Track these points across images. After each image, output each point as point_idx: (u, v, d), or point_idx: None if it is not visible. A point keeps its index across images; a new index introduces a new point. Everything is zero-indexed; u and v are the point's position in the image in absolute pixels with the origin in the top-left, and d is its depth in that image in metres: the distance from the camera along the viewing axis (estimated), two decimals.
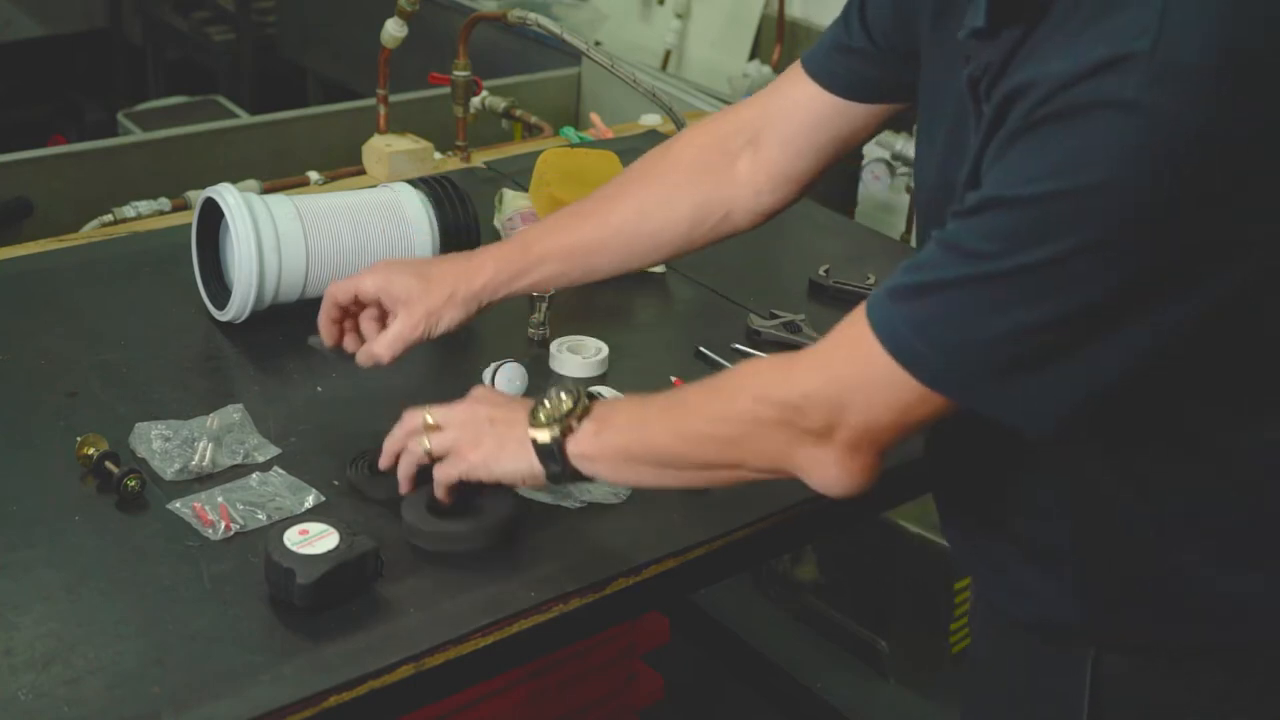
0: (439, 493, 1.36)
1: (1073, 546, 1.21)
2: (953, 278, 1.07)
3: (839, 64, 1.41)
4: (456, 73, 2.34)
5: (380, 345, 1.50)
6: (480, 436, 1.34)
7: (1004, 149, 1.05)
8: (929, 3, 1.25)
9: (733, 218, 1.50)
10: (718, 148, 1.49)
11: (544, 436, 1.28)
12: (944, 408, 1.11)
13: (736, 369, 1.27)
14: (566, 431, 1.28)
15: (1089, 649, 1.24)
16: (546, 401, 1.30)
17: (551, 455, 1.28)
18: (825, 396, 1.14)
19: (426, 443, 1.36)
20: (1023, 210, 1.02)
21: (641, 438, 1.27)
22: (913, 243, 2.67)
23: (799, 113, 1.44)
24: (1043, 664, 1.29)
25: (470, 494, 1.40)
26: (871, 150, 2.91)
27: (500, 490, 1.40)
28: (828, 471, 1.17)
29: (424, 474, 1.44)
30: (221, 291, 1.77)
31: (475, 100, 2.42)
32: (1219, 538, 1.17)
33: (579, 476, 1.30)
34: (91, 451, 1.45)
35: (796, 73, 1.44)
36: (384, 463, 1.41)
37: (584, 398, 1.29)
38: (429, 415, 1.38)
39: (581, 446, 1.28)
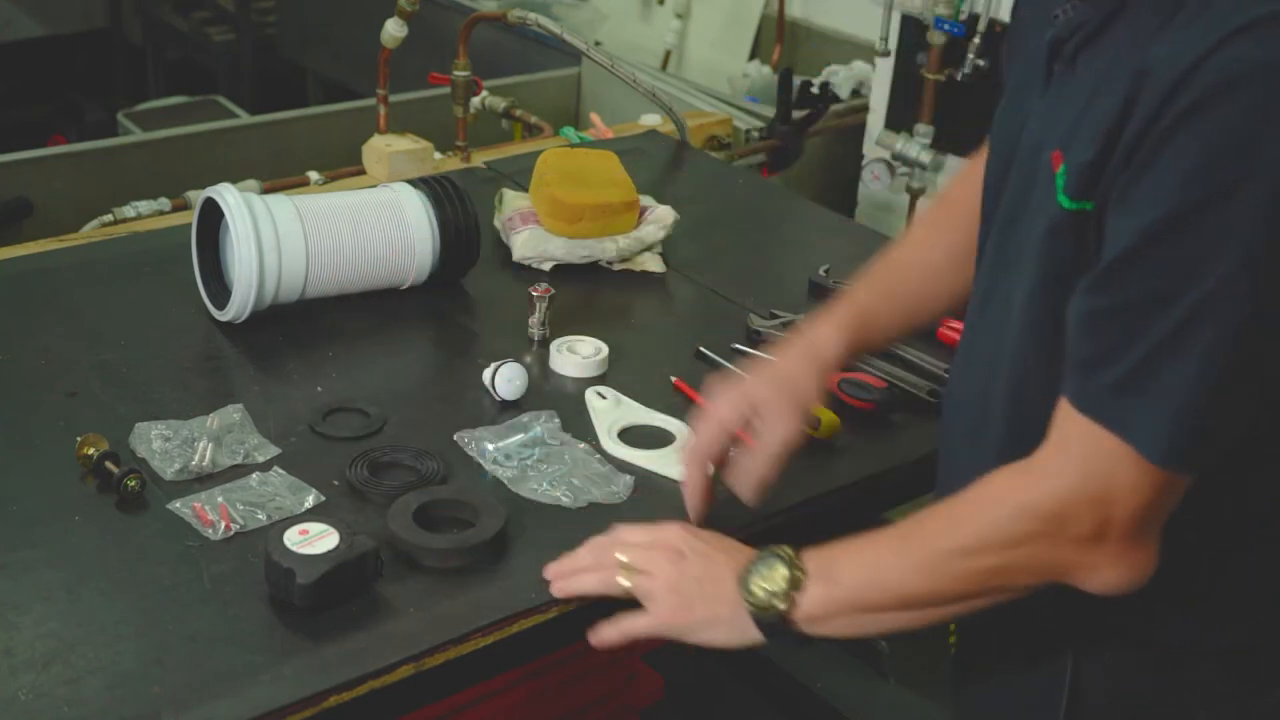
0: (615, 637, 1.30)
1: None
2: (1154, 340, 1.05)
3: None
4: (456, 73, 2.34)
5: (761, 466, 1.39)
6: (690, 601, 1.26)
7: (1147, 160, 1.03)
8: None
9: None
10: (962, 218, 1.45)
11: (764, 605, 1.22)
12: (1186, 479, 1.10)
13: (971, 493, 1.18)
14: (791, 605, 1.21)
15: (1068, 652, 1.25)
16: (758, 575, 1.22)
17: (775, 628, 1.22)
18: (1087, 497, 1.11)
19: (625, 582, 1.29)
20: (1192, 221, 1.02)
21: (880, 585, 1.21)
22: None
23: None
24: (1028, 644, 1.30)
25: (460, 510, 1.41)
26: (871, 150, 2.91)
27: (492, 507, 1.41)
28: (1110, 574, 1.13)
29: (412, 484, 1.45)
30: (221, 291, 1.77)
31: (475, 100, 2.42)
32: (1205, 536, 1.18)
33: (806, 638, 1.23)
34: (91, 451, 1.45)
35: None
36: (558, 590, 1.32)
37: (797, 563, 1.22)
38: (622, 555, 1.30)
39: (810, 611, 1.21)
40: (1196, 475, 1.10)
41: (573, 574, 1.33)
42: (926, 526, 1.21)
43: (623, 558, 1.30)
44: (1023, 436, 1.18)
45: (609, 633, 1.30)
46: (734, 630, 1.25)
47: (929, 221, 1.55)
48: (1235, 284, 1.02)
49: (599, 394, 1.64)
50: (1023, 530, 1.14)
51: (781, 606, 1.21)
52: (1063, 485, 1.12)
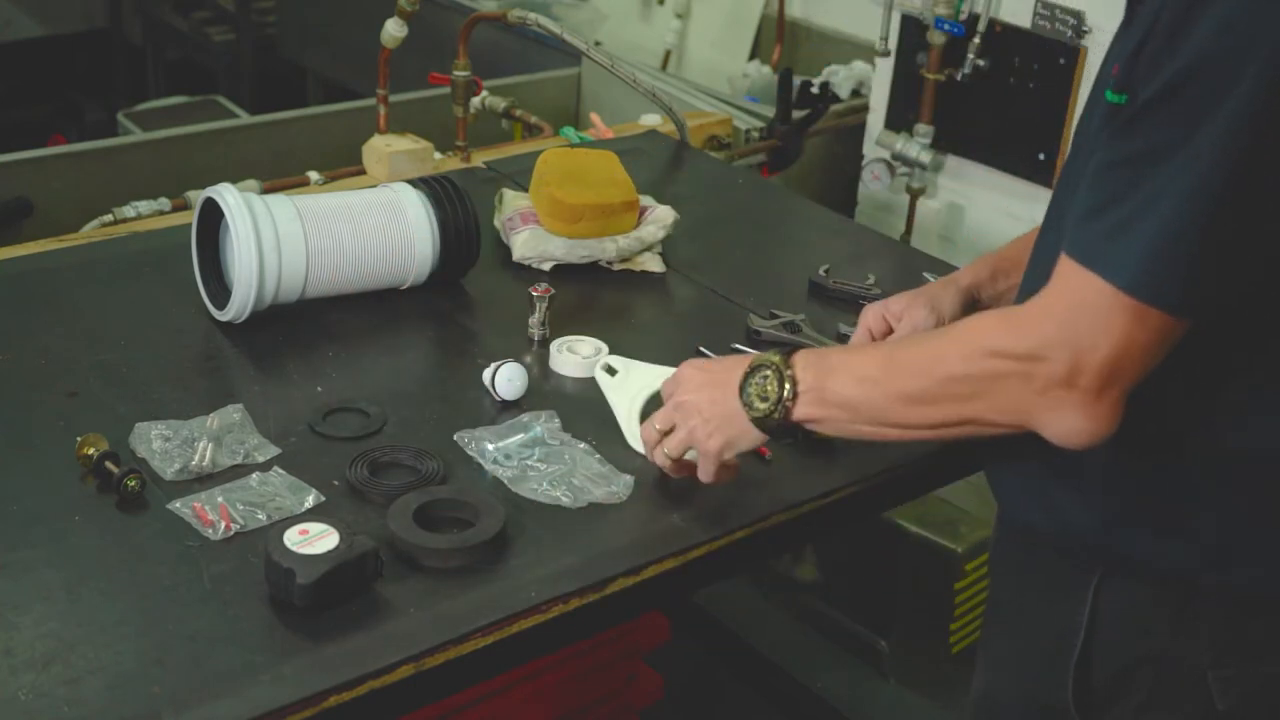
0: (703, 475, 1.43)
1: (1101, 460, 1.25)
2: (1150, 190, 1.12)
3: None
4: (456, 73, 2.34)
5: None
6: (709, 431, 1.40)
7: (1169, 27, 1.12)
8: None
9: None
10: None
11: (765, 419, 1.34)
12: (1167, 327, 1.15)
13: (953, 328, 1.33)
14: (786, 412, 1.33)
15: (1096, 569, 1.30)
16: (755, 390, 1.35)
17: (778, 430, 1.36)
18: (1063, 340, 1.17)
19: (665, 449, 1.45)
20: (1193, 74, 1.09)
21: (866, 401, 1.30)
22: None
23: None
24: (1051, 585, 1.35)
25: (460, 510, 1.41)
26: (871, 150, 2.91)
27: (492, 507, 1.41)
28: (1073, 420, 1.18)
29: (412, 484, 1.45)
30: (221, 291, 1.77)
31: (475, 100, 2.42)
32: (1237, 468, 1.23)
33: (807, 432, 1.41)
34: (91, 451, 1.45)
35: None
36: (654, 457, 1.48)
37: (785, 371, 1.33)
38: (657, 424, 1.46)
39: (805, 413, 1.33)
40: (1168, 330, 1.15)
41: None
42: (910, 354, 1.31)
43: (657, 426, 1.46)
44: None
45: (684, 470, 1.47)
46: (751, 439, 1.39)
47: None
48: (1229, 135, 1.09)
49: (607, 370, 1.63)
50: (997, 368, 1.20)
51: (778, 414, 1.34)
52: (1043, 327, 1.18)
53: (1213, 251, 1.13)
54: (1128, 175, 1.14)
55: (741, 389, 1.36)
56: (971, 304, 1.61)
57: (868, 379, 1.30)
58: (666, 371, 1.56)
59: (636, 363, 1.62)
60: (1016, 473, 1.39)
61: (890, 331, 1.62)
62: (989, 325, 1.25)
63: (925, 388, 1.26)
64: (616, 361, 1.63)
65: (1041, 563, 1.37)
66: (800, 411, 1.33)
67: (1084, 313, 1.16)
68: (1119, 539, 1.29)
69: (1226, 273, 1.15)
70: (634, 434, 1.55)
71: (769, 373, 1.34)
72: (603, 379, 1.61)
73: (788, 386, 1.32)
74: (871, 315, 1.64)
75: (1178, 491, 1.25)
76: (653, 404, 1.55)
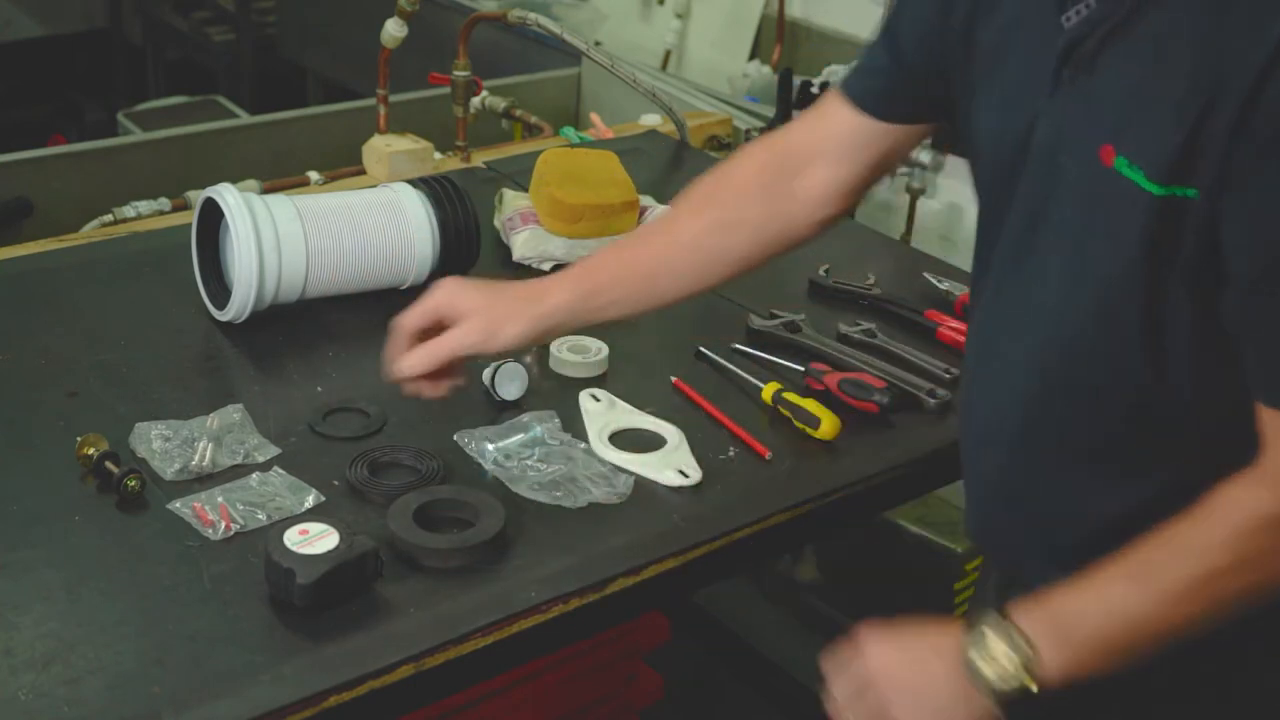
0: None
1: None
2: None
3: (871, 87, 1.43)
4: (456, 73, 2.34)
5: (416, 354, 1.44)
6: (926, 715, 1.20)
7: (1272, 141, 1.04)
8: None
9: (792, 231, 1.51)
10: (774, 167, 1.50)
11: (1008, 693, 1.15)
12: None
13: (1197, 516, 1.14)
14: (1032, 680, 1.14)
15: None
16: (981, 662, 1.15)
17: (1019, 700, 1.15)
18: None
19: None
20: None
21: (1126, 629, 1.15)
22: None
23: (842, 134, 1.45)
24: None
25: (460, 510, 1.41)
26: None
27: (492, 507, 1.41)
28: None
29: (412, 484, 1.45)
30: (221, 291, 1.77)
31: (475, 100, 2.42)
32: None
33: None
34: (91, 451, 1.45)
35: (836, 94, 1.47)
36: None
37: (1018, 636, 1.14)
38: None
39: (1055, 677, 1.14)
40: None
41: None
42: (1157, 559, 1.14)
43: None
44: (1092, 422, 1.20)
45: None
46: (978, 711, 1.18)
47: (698, 196, 1.54)
48: None
49: (593, 396, 1.64)
50: (1269, 544, 1.12)
51: (1019, 685, 1.14)
52: None
53: None
54: None
55: (969, 669, 1.16)
56: (551, 329, 1.48)
57: (1117, 606, 1.14)
58: (646, 418, 1.60)
59: (620, 401, 1.64)
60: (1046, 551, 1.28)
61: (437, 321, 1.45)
62: (1243, 503, 1.12)
63: (1193, 587, 1.13)
64: (600, 394, 1.65)
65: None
66: (1048, 669, 1.13)
67: None
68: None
69: None
70: (603, 448, 1.56)
71: (990, 641, 1.15)
72: (586, 403, 1.63)
73: (1022, 642, 1.14)
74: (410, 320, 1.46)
75: None
76: (617, 438, 1.57)
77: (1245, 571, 1.13)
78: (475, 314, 1.43)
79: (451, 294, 1.45)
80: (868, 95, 1.43)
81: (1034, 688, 1.13)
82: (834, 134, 1.46)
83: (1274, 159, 1.05)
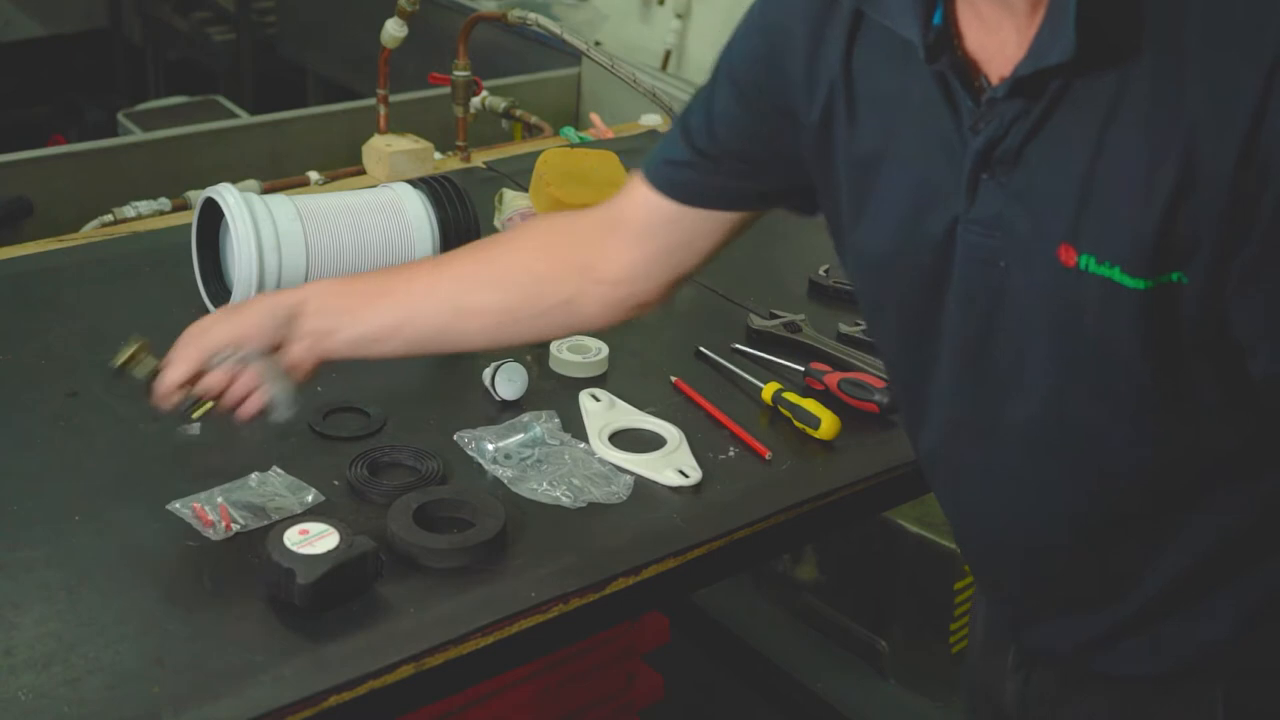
0: None
1: (1222, 579, 1.16)
2: None
3: (676, 174, 1.32)
4: (456, 73, 2.34)
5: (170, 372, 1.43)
6: None
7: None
8: (830, 65, 1.17)
9: (575, 306, 1.40)
10: (566, 232, 1.42)
11: None
12: None
13: None
14: None
15: (1219, 683, 1.19)
16: None
17: None
18: None
19: None
20: None
21: None
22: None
23: (643, 214, 1.35)
24: (1167, 710, 1.22)
25: (460, 510, 1.41)
26: None
27: (492, 507, 1.41)
28: None
29: (412, 484, 1.45)
30: (221, 291, 1.77)
31: (475, 100, 2.42)
32: None
33: None
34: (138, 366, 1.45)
35: (639, 176, 1.36)
36: None
37: None
38: None
39: None
40: None
41: None
42: None
43: None
44: (1119, 503, 1.15)
45: None
46: None
47: (465, 251, 1.50)
48: None
49: (593, 396, 1.64)
50: None
51: None
52: None
53: None
54: None
55: None
56: (294, 318, 1.41)
57: None
58: (646, 418, 1.59)
59: (620, 401, 1.64)
60: (1077, 620, 1.23)
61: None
62: None
63: None
64: (600, 394, 1.64)
65: (1139, 696, 1.23)
66: None
67: None
68: (1250, 644, 1.17)
69: None
70: (603, 448, 1.56)
71: None
72: (586, 403, 1.63)
73: None
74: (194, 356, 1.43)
75: None
76: (617, 438, 1.57)
77: None
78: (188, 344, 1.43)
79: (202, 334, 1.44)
80: (674, 181, 1.32)
81: None
82: (635, 211, 1.36)
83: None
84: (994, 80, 1.06)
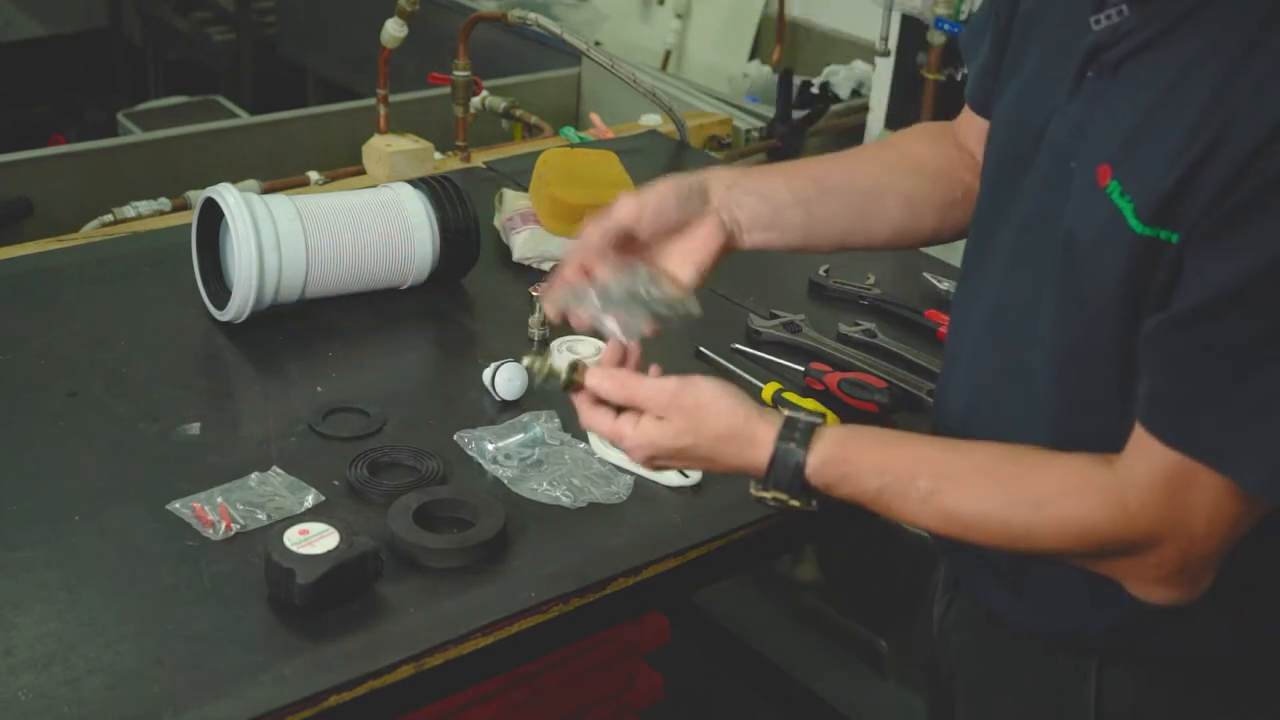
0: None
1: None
2: (1260, 381, 1.03)
3: (979, 85, 1.37)
4: (456, 73, 2.34)
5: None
6: (694, 463, 1.26)
7: (1252, 201, 1.00)
8: None
9: (953, 214, 1.41)
10: (948, 134, 1.45)
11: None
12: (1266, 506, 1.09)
13: (1039, 500, 1.13)
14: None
15: (1093, 659, 1.23)
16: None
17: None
18: (1174, 530, 1.09)
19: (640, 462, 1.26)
20: None
21: (884, 502, 1.19)
22: None
23: (969, 131, 1.42)
24: (1041, 674, 1.27)
25: (460, 510, 1.41)
26: None
27: (492, 507, 1.41)
28: (1171, 594, 1.13)
29: (412, 484, 1.45)
30: (221, 291, 1.77)
31: (475, 100, 2.42)
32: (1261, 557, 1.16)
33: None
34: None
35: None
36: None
37: (806, 479, 1.20)
38: (649, 444, 1.23)
39: (822, 482, 1.21)
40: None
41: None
42: (986, 519, 1.14)
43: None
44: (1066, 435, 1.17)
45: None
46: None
47: (873, 154, 1.50)
48: None
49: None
50: (1101, 550, 1.12)
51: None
52: (1152, 517, 1.09)
53: None
54: (1233, 364, 1.04)
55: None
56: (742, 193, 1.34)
57: (896, 487, 1.17)
58: None
59: None
60: (985, 559, 1.27)
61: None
62: (1088, 509, 1.11)
63: (1012, 526, 1.14)
64: None
65: (1020, 647, 1.29)
66: (817, 473, 1.19)
67: (1198, 505, 1.07)
68: (1133, 636, 1.21)
69: None
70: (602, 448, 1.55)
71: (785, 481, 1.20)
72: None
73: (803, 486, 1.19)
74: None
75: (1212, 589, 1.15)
76: None
77: (1060, 554, 1.14)
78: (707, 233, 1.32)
79: (647, 200, 1.30)
80: (978, 93, 1.37)
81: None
82: (964, 129, 1.43)
83: (1256, 216, 1.01)
84: None
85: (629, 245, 1.30)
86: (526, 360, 1.34)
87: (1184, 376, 1.06)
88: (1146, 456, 1.09)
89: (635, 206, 1.29)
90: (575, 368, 1.26)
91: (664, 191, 1.30)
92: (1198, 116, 1.03)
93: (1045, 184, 1.18)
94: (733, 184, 1.33)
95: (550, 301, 1.29)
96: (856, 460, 1.19)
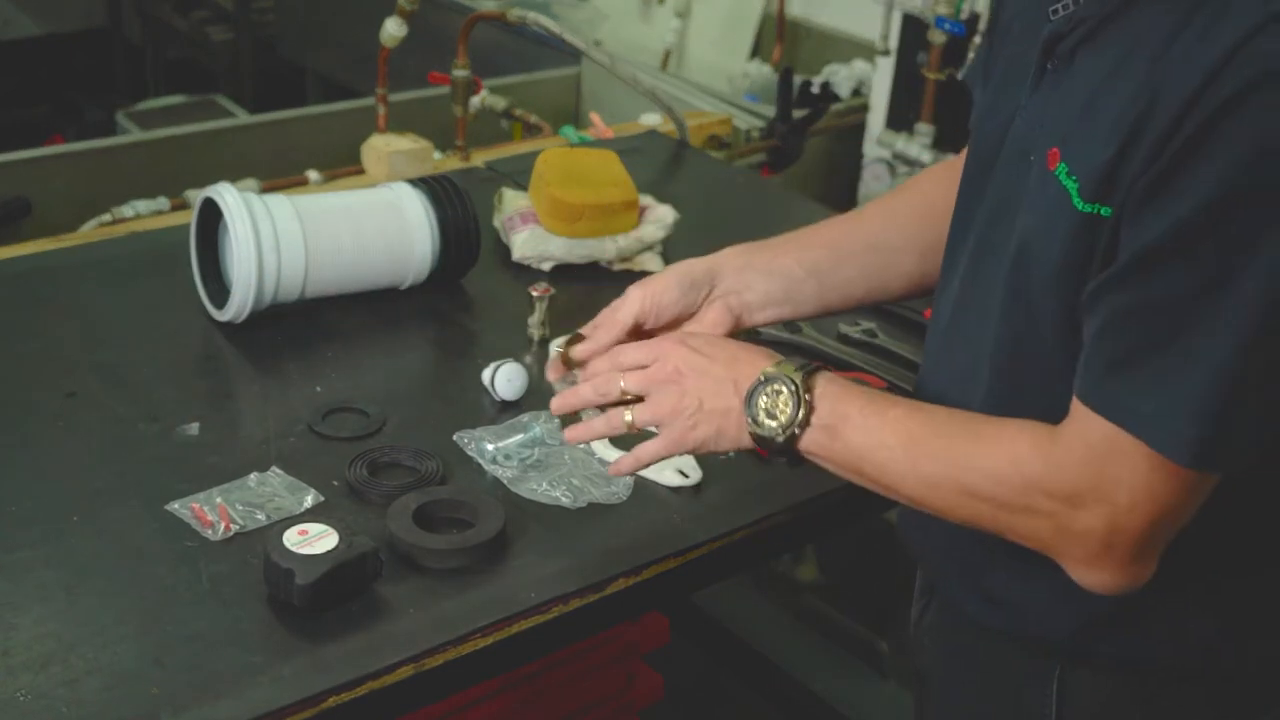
0: (645, 461, 1.27)
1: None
2: (1178, 340, 1.02)
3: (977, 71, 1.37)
4: (456, 72, 2.34)
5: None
6: (696, 421, 1.23)
7: (1180, 155, 1.00)
8: None
9: None
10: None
11: (768, 436, 1.21)
12: (1209, 483, 1.07)
13: (984, 432, 1.15)
14: (792, 439, 1.20)
15: (1055, 663, 1.23)
16: (764, 400, 1.20)
17: (777, 451, 1.21)
18: (1100, 494, 1.08)
19: (629, 415, 1.25)
20: (1216, 225, 0.99)
21: (877, 469, 1.19)
22: None
23: None
24: (1005, 677, 1.27)
25: (460, 511, 1.41)
26: (872, 150, 2.91)
27: (492, 507, 1.41)
28: (1105, 577, 1.11)
29: (412, 484, 1.45)
30: (221, 291, 1.77)
31: (475, 100, 2.42)
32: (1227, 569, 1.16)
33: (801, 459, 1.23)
34: None
35: None
36: (557, 408, 1.30)
37: (806, 399, 1.19)
38: (624, 382, 1.26)
39: (810, 447, 1.20)
40: (1209, 485, 1.07)
41: (579, 406, 1.29)
42: (940, 442, 1.16)
43: (624, 384, 1.26)
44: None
45: (625, 463, 1.29)
46: (736, 442, 1.24)
47: (879, 203, 1.49)
48: (1267, 282, 0.99)
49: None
50: (1029, 501, 1.11)
51: (781, 439, 1.20)
52: (1080, 473, 1.08)
53: (1264, 406, 1.04)
54: (1157, 324, 1.03)
55: (749, 397, 1.21)
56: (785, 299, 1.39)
57: (885, 446, 1.17)
58: None
59: None
60: (952, 555, 1.28)
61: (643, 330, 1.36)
62: (1024, 449, 1.11)
63: (945, 486, 1.15)
64: None
65: (986, 650, 1.28)
66: (806, 443, 1.20)
67: (1122, 474, 1.06)
68: (1093, 639, 1.20)
69: (1275, 422, 1.05)
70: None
71: (784, 390, 1.19)
72: None
73: (802, 413, 1.18)
74: (636, 305, 1.35)
75: (1169, 593, 1.15)
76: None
77: (999, 507, 1.13)
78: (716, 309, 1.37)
79: (649, 292, 1.36)
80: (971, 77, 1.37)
81: (790, 443, 1.19)
82: None
83: (1184, 170, 1.00)
84: None
85: (639, 330, 1.35)
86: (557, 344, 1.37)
87: (1111, 339, 1.06)
88: (1075, 420, 1.09)
89: (639, 301, 1.34)
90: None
91: (668, 284, 1.35)
92: (1135, 89, 1.04)
93: (1006, 181, 1.19)
94: (743, 266, 1.38)
95: (558, 406, 1.32)
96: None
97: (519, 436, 1.55)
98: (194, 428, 1.54)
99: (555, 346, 1.36)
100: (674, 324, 1.37)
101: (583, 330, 1.36)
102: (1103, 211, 1.06)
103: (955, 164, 1.42)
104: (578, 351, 1.34)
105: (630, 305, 1.34)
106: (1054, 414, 1.12)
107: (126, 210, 2.27)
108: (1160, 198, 1.02)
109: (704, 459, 1.54)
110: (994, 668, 1.29)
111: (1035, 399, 1.15)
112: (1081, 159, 1.08)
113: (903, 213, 1.43)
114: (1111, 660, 1.21)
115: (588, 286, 1.93)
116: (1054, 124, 1.12)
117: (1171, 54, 1.02)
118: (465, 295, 1.90)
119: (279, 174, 2.45)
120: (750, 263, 1.38)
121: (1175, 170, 1.01)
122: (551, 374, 1.36)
